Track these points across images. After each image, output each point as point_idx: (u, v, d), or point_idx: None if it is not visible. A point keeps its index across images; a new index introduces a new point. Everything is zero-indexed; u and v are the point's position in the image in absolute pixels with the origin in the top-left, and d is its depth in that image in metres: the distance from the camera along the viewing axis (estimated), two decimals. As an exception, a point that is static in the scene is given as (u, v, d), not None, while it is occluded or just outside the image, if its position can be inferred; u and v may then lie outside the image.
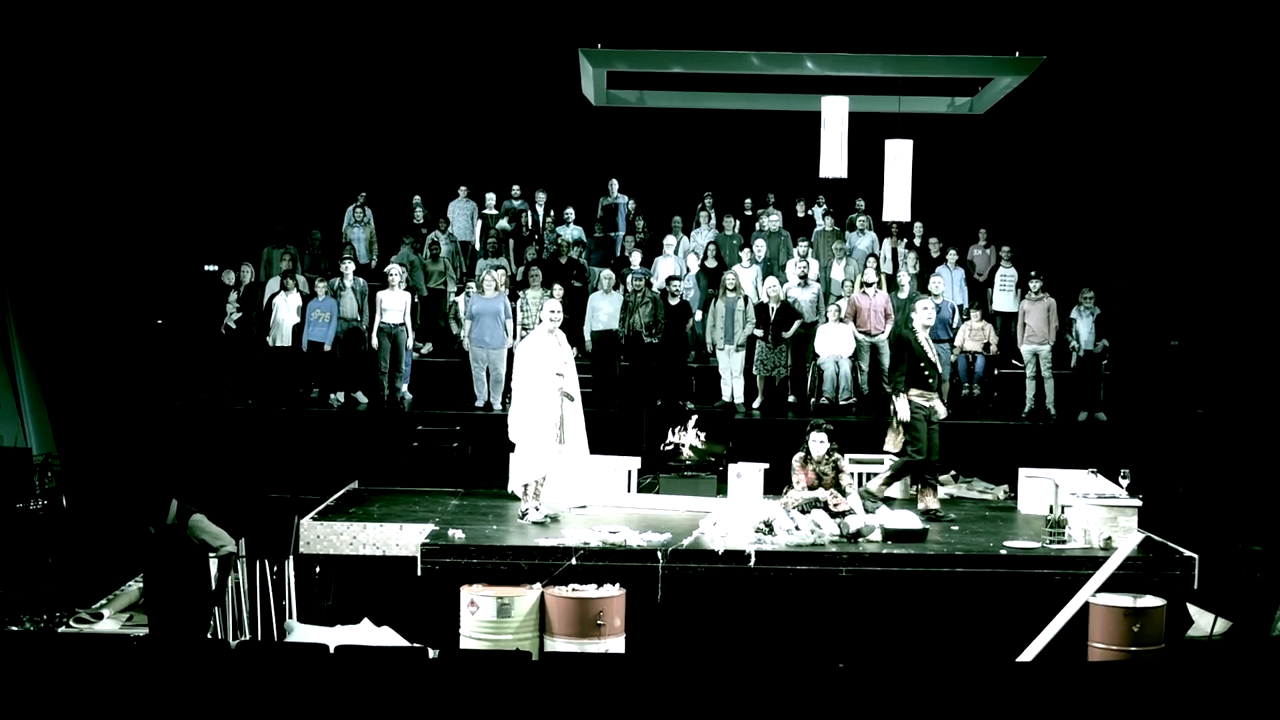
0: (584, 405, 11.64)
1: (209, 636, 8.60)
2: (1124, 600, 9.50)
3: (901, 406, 11.47)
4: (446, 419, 14.12)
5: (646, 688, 6.86)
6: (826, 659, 7.88)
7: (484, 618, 9.43)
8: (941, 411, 11.70)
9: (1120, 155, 18.54)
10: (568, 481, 11.59)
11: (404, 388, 15.36)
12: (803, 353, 15.39)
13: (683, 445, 12.64)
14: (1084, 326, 15.31)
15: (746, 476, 12.10)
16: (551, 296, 14.16)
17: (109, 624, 9.43)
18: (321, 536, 10.61)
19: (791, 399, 15.45)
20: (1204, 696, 6.90)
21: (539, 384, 11.21)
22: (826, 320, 15.38)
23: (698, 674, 6.93)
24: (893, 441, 11.65)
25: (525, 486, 11.30)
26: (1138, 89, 17.91)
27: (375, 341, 15.10)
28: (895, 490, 12.65)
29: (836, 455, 11.09)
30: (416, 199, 18.43)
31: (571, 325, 15.05)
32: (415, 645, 8.38)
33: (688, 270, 16.89)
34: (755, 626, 9.87)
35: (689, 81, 17.54)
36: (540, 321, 11.60)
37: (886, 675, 7.00)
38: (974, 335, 15.36)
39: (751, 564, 10.03)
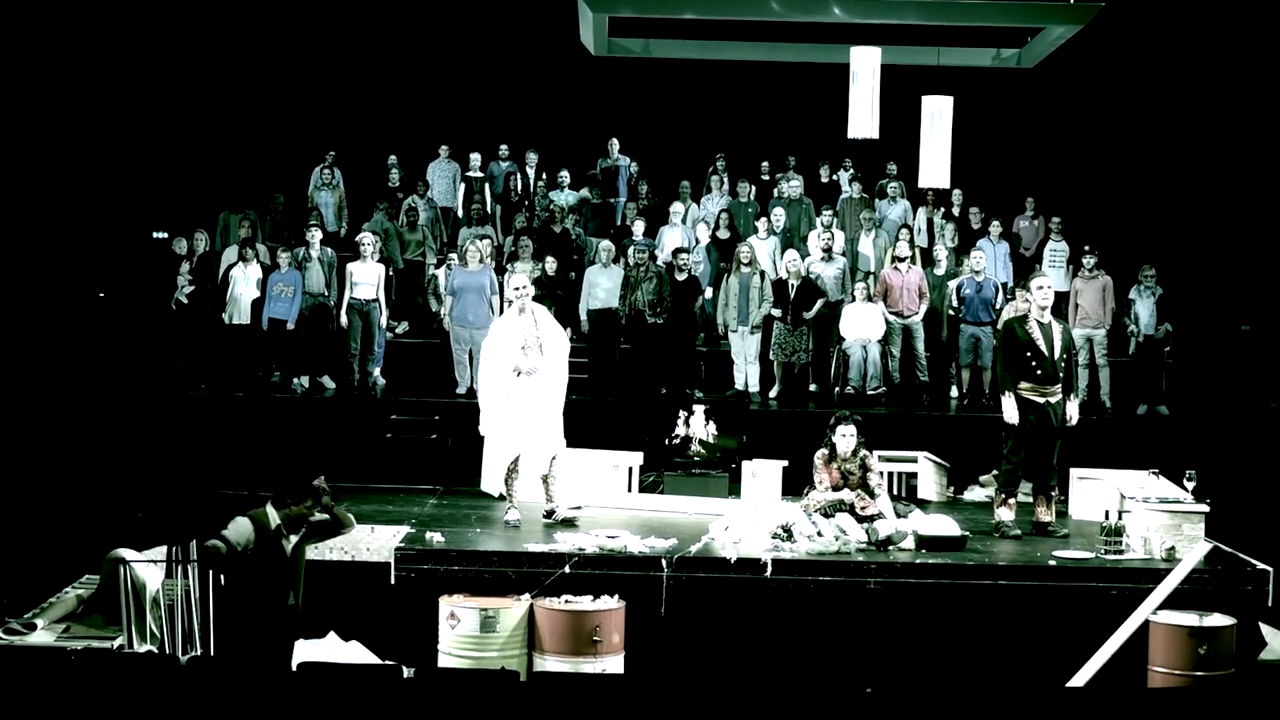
0: (578, 393, 11.63)
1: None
2: (1189, 619, 9.46)
3: (1006, 407, 11.17)
4: (424, 407, 14.09)
5: (647, 712, 6.83)
6: (852, 682, 7.86)
7: (465, 632, 9.40)
8: (1071, 411, 11.27)
9: (1186, 116, 18.47)
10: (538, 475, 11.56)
11: (376, 371, 15.33)
12: (826, 336, 15.34)
13: (690, 439, 12.61)
14: (1144, 308, 15.26)
15: (762, 475, 12.08)
16: (528, 270, 14.11)
17: (43, 636, 9.40)
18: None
19: (813, 388, 15.41)
20: (1278, 727, 6.88)
21: (500, 373, 11.19)
22: (853, 299, 15.33)
23: (705, 698, 6.90)
24: None
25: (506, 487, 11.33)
26: (1206, 40, 17.83)
27: (344, 319, 15.06)
28: (931, 492, 12.65)
29: (864, 452, 11.04)
30: (392, 159, 18.39)
31: (566, 302, 15.05)
32: (388, 663, 8.35)
33: (697, 242, 16.83)
34: (771, 644, 9.85)
35: (700, 29, 17.47)
36: (511, 300, 11.54)
37: (919, 701, 6.97)
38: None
39: (768, 574, 10.00)
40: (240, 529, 8.18)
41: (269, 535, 8.20)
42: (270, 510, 8.26)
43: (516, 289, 11.41)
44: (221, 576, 8.50)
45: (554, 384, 11.39)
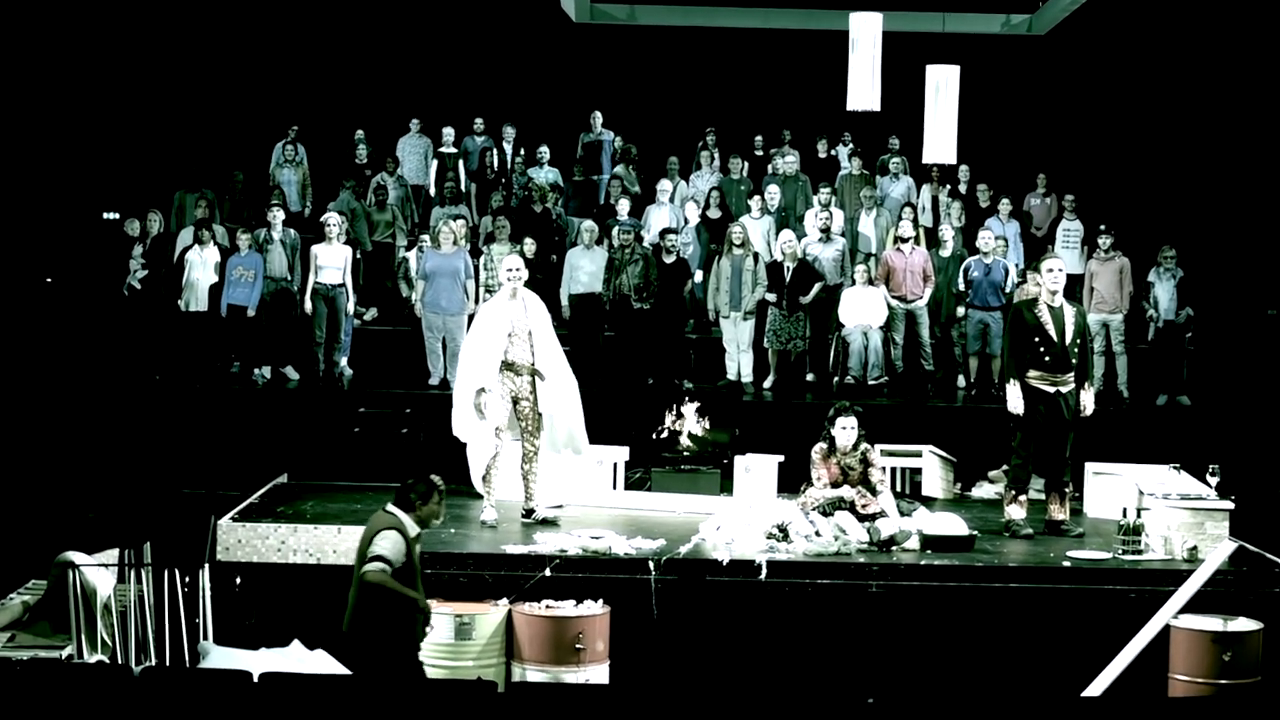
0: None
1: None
2: (1212, 623, 9.47)
3: (1011, 395, 11.18)
4: (394, 399, 14.07)
5: (635, 726, 6.83)
6: (853, 692, 7.85)
7: (439, 639, 9.38)
8: (1086, 401, 11.25)
9: (1208, 86, 18.47)
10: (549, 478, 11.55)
11: (343, 361, 15.31)
12: (824, 322, 15.36)
13: (680, 433, 12.60)
14: (1163, 292, 15.28)
15: (756, 471, 12.07)
16: (518, 252, 14.12)
17: (-14, 645, 9.37)
18: (243, 541, 10.53)
19: (811, 377, 15.42)
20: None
21: (486, 360, 11.16)
22: (853, 283, 15.34)
23: (695, 710, 6.88)
24: None
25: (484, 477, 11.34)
26: (1230, 6, 17.83)
27: (309, 305, 15.04)
28: (936, 488, 12.64)
29: (865, 446, 11.04)
30: (359, 134, 18.37)
31: (546, 287, 14.99)
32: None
33: (686, 222, 16.83)
34: (767, 652, 9.84)
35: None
36: (504, 282, 11.53)
37: (924, 711, 6.96)
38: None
39: (762, 576, 10.00)
40: (396, 545, 8.01)
41: (410, 544, 8.10)
42: (400, 514, 8.13)
43: (510, 271, 11.37)
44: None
45: (558, 383, 11.36)
